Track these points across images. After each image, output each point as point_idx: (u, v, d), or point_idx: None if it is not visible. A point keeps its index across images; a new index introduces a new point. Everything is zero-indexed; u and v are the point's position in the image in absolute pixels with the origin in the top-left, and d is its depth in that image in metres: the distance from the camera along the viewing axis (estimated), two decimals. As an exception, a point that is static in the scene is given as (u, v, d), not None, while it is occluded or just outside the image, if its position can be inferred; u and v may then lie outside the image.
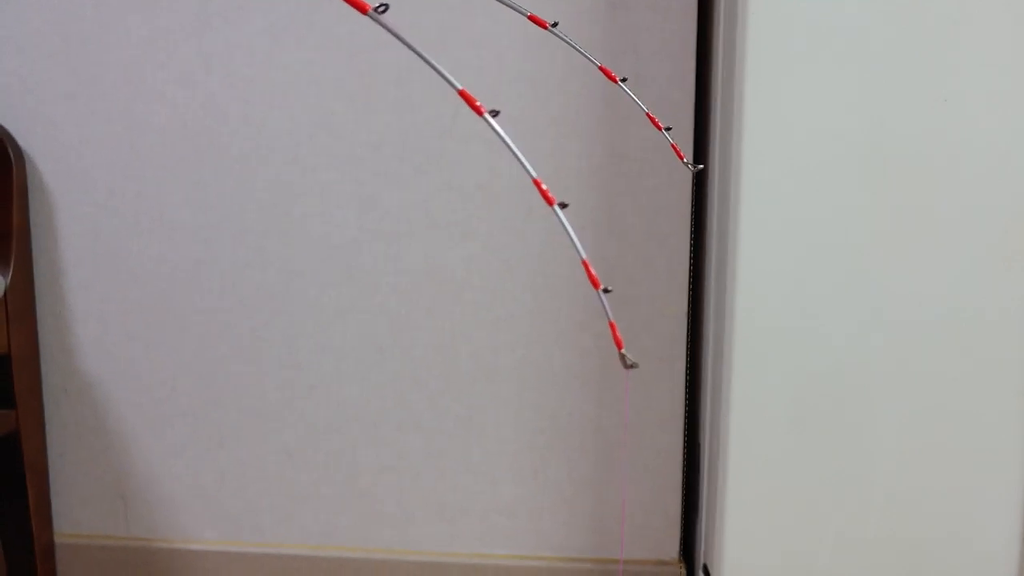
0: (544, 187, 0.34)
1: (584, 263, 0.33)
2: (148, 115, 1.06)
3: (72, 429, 1.13)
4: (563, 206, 0.33)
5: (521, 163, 0.32)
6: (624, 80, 0.49)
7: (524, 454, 1.10)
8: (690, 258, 1.05)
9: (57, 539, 1.15)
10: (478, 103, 0.31)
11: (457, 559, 1.12)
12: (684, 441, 1.09)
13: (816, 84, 0.87)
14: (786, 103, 0.87)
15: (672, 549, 1.11)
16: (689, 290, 1.06)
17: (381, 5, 0.31)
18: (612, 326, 0.34)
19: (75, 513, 1.15)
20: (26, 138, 1.06)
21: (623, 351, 0.34)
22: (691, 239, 1.05)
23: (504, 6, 0.51)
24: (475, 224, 1.06)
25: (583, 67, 1.00)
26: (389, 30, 0.32)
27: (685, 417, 1.08)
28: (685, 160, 0.52)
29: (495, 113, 0.32)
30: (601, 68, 0.45)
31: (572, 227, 0.36)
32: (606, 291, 0.36)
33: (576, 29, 1.01)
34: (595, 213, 1.04)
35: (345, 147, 1.05)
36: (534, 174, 0.32)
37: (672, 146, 0.50)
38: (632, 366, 0.33)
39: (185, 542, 1.14)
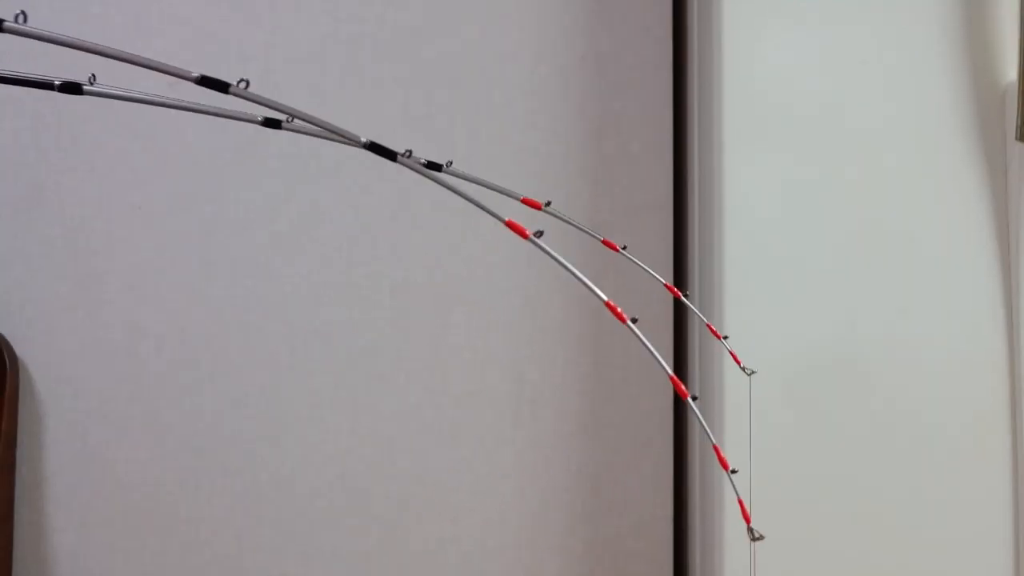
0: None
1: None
2: (147, 322, 1.08)
3: (46, 528, 1.07)
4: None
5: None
6: (687, 295, 0.55)
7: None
8: (675, 458, 1.09)
9: None
10: (619, 311, 0.36)
11: None
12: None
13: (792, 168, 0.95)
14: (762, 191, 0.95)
15: None
16: (675, 489, 1.09)
17: (538, 232, 0.37)
18: (740, 503, 0.38)
19: None
20: (22, 345, 1.07)
21: (750, 526, 0.37)
22: (674, 440, 1.09)
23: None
24: (466, 429, 1.09)
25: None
26: (549, 254, 0.37)
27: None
28: (742, 365, 0.57)
29: (635, 320, 0.36)
30: (667, 286, 0.50)
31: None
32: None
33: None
34: (581, 415, 1.08)
35: (340, 353, 1.08)
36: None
37: (731, 353, 0.56)
38: (759, 539, 0.37)
39: None
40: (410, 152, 0.46)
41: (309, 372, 1.08)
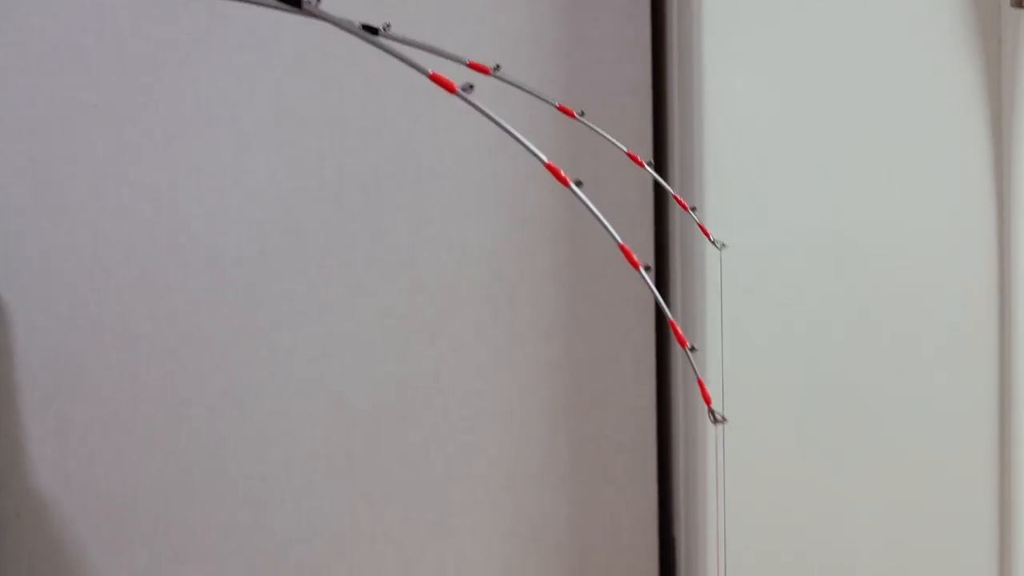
0: (635, 260, 0.35)
1: (671, 323, 0.33)
2: (112, 228, 1.05)
3: (25, 559, 1.07)
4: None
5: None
6: (650, 164, 0.51)
7: (499, 559, 1.08)
8: (656, 349, 1.07)
9: None
10: (563, 174, 0.33)
11: (434, 676, 1.08)
12: (659, 535, 1.09)
13: (775, 171, 0.92)
14: (743, 213, 0.92)
15: (654, 651, 1.09)
16: (657, 377, 1.07)
17: (466, 85, 0.33)
18: (700, 383, 0.35)
19: (24, 649, 1.08)
20: (-15, 255, 1.04)
21: (711, 407, 0.35)
22: (656, 330, 1.07)
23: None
24: (444, 326, 1.06)
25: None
26: (478, 108, 0.33)
27: (659, 513, 1.08)
28: (712, 238, 0.54)
29: (579, 183, 0.33)
30: (629, 154, 0.47)
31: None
32: (693, 349, 0.37)
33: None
34: (560, 309, 1.06)
35: (313, 253, 1.06)
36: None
37: (699, 225, 0.53)
38: (721, 421, 0.34)
39: (143, 676, 1.08)
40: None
41: (282, 272, 1.06)
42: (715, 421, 0.36)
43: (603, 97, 1.06)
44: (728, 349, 0.89)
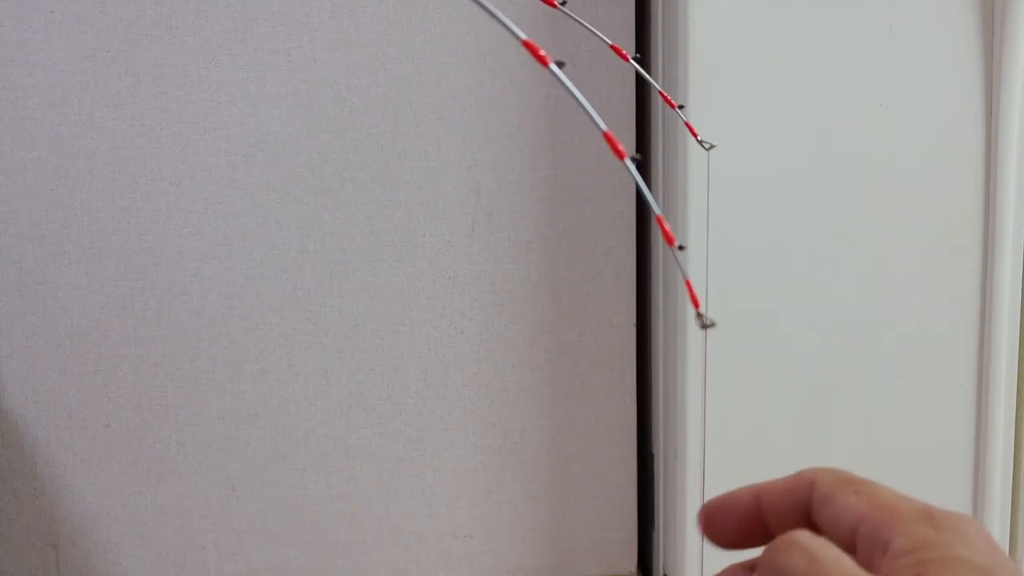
0: (621, 150, 0.33)
1: (658, 218, 0.31)
2: (74, 139, 1.01)
3: (-4, 474, 1.06)
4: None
5: (592, 117, 0.31)
6: (636, 57, 0.49)
7: (477, 474, 1.08)
8: (636, 267, 1.06)
9: (-19, 593, 1.08)
10: (542, 52, 0.30)
11: (412, 586, 1.09)
12: (637, 452, 1.09)
13: (758, 97, 0.89)
14: (730, 113, 0.89)
15: (630, 563, 1.10)
16: (637, 298, 1.06)
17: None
18: (688, 284, 0.33)
19: (2, 564, 1.08)
20: (-59, 166, 1.00)
21: (699, 310, 0.33)
22: (636, 248, 1.05)
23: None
24: (420, 240, 1.04)
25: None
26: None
27: (639, 428, 1.09)
28: (699, 138, 0.52)
29: (561, 64, 0.30)
30: (613, 47, 0.44)
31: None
32: (681, 248, 0.34)
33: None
34: (540, 225, 1.04)
35: (284, 167, 1.03)
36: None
37: (686, 124, 0.50)
38: (709, 326, 0.32)
39: (122, 588, 1.09)
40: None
41: (252, 186, 1.03)
42: (703, 326, 0.34)
43: None
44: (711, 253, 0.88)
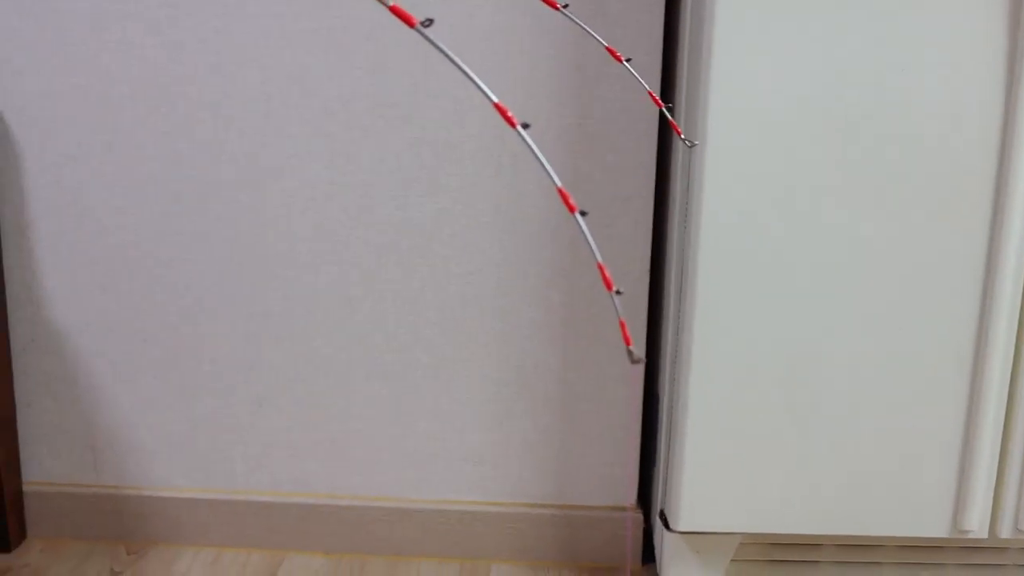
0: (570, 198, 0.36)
1: (600, 266, 0.35)
2: (115, 66, 1.05)
3: (40, 380, 1.13)
4: (584, 214, 0.35)
5: (549, 174, 0.34)
6: (629, 60, 0.51)
7: (490, 404, 1.13)
8: (653, 218, 1.08)
9: (26, 488, 1.16)
10: (510, 114, 0.33)
11: (424, 505, 1.16)
12: (643, 392, 1.14)
13: (781, 50, 0.90)
14: (752, 66, 0.90)
15: (630, 496, 1.16)
16: (651, 248, 1.09)
17: (427, 20, 0.33)
18: (622, 324, 0.37)
19: (44, 463, 1.16)
20: (-10, 87, 1.05)
21: (631, 347, 0.37)
22: (654, 200, 1.08)
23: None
24: (445, 179, 1.07)
25: (554, 21, 1.02)
26: (436, 46, 0.33)
27: (646, 370, 1.13)
28: (683, 137, 0.54)
29: (526, 126, 0.34)
30: (608, 48, 0.47)
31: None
32: (619, 293, 0.38)
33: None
34: (562, 170, 1.07)
35: (317, 101, 1.06)
36: (559, 183, 0.34)
37: (671, 123, 0.53)
38: (639, 361, 0.36)
39: (155, 489, 1.16)
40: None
41: (285, 118, 1.06)
42: (633, 362, 0.38)
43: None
44: (727, 195, 0.90)
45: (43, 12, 1.03)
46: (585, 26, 0.50)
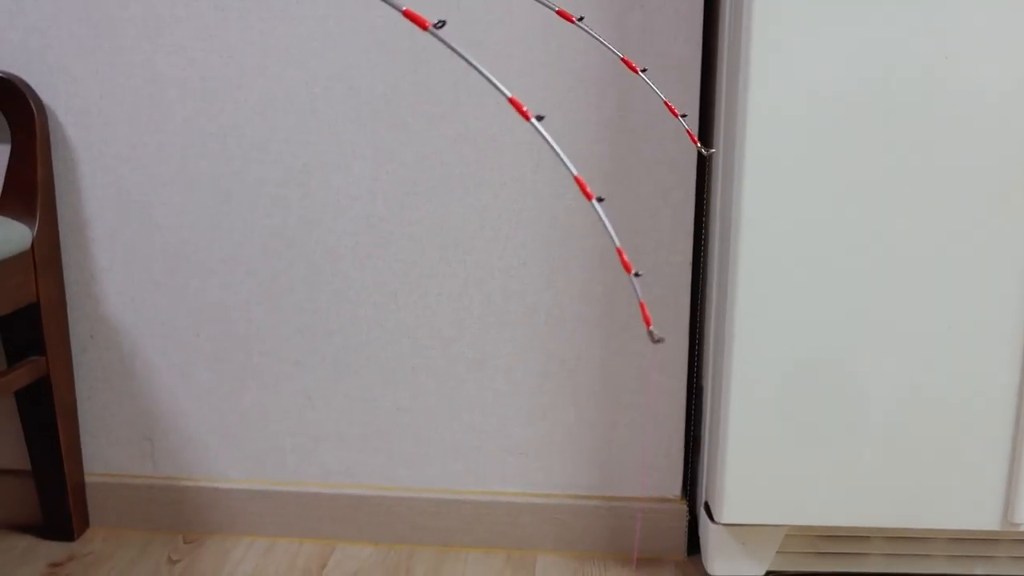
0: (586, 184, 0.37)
1: (618, 250, 0.36)
2: (167, 68, 1.08)
3: (100, 374, 1.17)
4: (600, 200, 0.36)
5: (564, 163, 0.35)
6: (644, 71, 0.52)
7: (534, 396, 1.15)
8: (695, 208, 1.08)
9: (88, 479, 1.20)
10: (525, 108, 0.34)
11: (470, 496, 1.17)
12: (688, 385, 1.14)
13: (822, 40, 0.89)
14: (791, 57, 0.90)
15: (676, 487, 1.16)
16: (694, 237, 1.09)
17: (440, 22, 0.35)
18: (642, 305, 0.38)
19: (104, 454, 1.20)
20: (47, 92, 1.09)
21: (651, 328, 0.38)
22: (696, 189, 1.08)
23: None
24: (487, 175, 1.09)
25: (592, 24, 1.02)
26: (448, 45, 0.35)
27: (689, 362, 1.13)
28: (699, 145, 0.55)
29: (540, 118, 0.35)
30: (624, 60, 0.48)
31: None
32: (637, 275, 0.39)
33: (586, -17, 1.02)
34: (602, 163, 1.07)
35: (361, 99, 1.08)
36: (575, 171, 0.35)
37: (687, 132, 0.53)
38: (659, 341, 0.37)
39: (210, 480, 1.20)
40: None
41: (331, 117, 1.08)
42: (654, 341, 0.39)
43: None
44: (769, 192, 0.90)
45: (99, 20, 1.07)
46: (600, 38, 0.51)
